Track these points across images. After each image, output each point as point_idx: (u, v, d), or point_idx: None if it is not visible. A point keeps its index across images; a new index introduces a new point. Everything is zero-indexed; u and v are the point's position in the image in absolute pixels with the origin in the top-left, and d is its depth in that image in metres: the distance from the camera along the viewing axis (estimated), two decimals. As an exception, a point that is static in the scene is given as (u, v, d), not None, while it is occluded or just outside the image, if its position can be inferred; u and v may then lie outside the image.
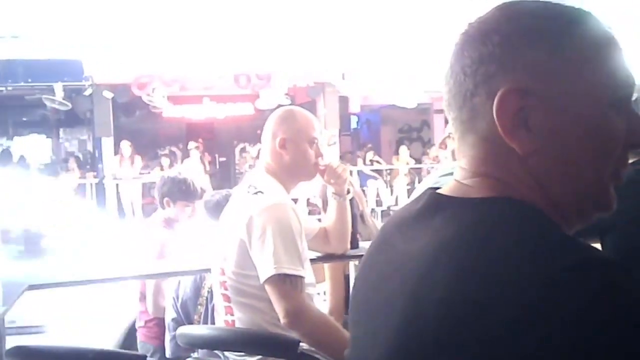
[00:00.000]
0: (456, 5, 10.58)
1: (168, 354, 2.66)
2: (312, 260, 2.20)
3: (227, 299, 1.99)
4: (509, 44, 0.67)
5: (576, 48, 0.67)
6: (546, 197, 0.68)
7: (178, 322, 2.61)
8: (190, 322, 2.56)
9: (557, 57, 0.66)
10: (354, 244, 2.51)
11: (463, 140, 0.71)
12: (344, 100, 11.30)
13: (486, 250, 0.61)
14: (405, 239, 0.72)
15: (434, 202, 0.72)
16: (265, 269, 1.85)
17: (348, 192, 2.31)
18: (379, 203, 11.09)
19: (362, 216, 3.06)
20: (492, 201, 0.67)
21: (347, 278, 2.68)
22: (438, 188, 0.75)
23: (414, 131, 15.63)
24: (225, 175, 12.41)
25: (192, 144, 10.48)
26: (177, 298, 2.65)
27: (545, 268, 0.57)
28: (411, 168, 11.46)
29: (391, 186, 11.51)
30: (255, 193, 1.98)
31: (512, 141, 0.66)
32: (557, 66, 0.66)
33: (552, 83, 0.66)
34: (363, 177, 11.06)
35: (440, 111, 13.89)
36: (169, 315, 2.67)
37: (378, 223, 3.09)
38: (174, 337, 2.53)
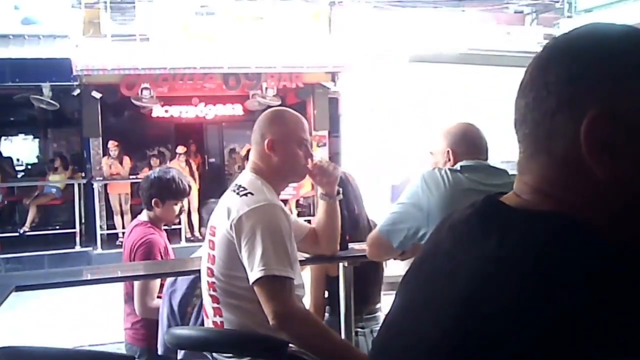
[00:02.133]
0: (446, 12, 10.64)
1: (160, 351, 2.64)
2: (301, 262, 2.20)
3: (216, 300, 1.98)
4: (602, 67, 0.66)
5: None
6: (615, 227, 0.67)
7: (171, 320, 2.59)
8: (185, 321, 2.55)
9: None
10: (344, 246, 2.51)
11: (533, 158, 0.70)
12: (334, 102, 11.29)
13: (542, 267, 0.61)
14: (456, 243, 0.72)
15: (494, 211, 0.71)
16: (255, 271, 1.85)
17: (338, 192, 2.31)
18: (368, 204, 11.08)
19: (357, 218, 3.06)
20: (551, 216, 0.67)
21: (333, 279, 2.68)
22: (499, 194, 0.75)
23: (404, 133, 15.65)
24: (214, 177, 12.37)
25: (180, 149, 10.42)
26: (174, 295, 2.63)
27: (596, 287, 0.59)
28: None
29: (380, 188, 11.51)
30: (244, 194, 1.97)
31: (597, 165, 0.65)
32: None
33: (636, 113, 0.65)
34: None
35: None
36: (165, 312, 2.65)
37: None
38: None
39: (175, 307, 2.58)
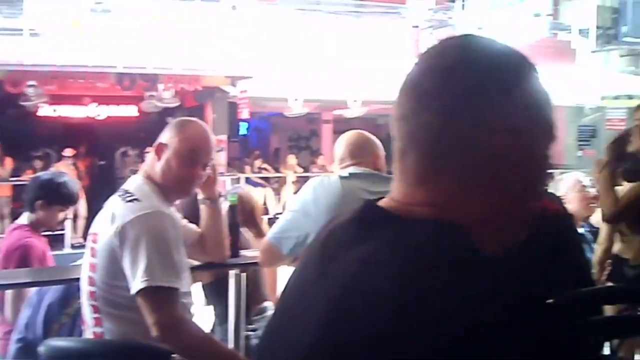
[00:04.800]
0: (345, 21, 10.84)
1: None
2: (192, 269, 2.15)
3: (96, 309, 1.90)
4: (489, 79, 0.70)
5: (536, 93, 0.72)
6: (503, 228, 0.72)
7: (25, 337, 2.43)
8: (49, 333, 2.40)
9: (528, 98, 0.71)
10: (234, 252, 2.48)
11: (437, 168, 0.71)
12: (233, 107, 11.20)
13: (414, 270, 0.63)
14: (336, 247, 0.72)
15: (372, 216, 0.72)
16: (137, 281, 1.78)
17: (220, 196, 2.28)
18: (266, 211, 11.07)
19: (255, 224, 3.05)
20: (429, 220, 0.68)
21: (216, 287, 2.65)
22: (377, 199, 0.75)
23: (303, 140, 15.79)
24: (104, 180, 11.87)
25: (68, 151, 9.92)
26: (38, 306, 2.47)
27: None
28: (299, 176, 11.53)
29: (279, 194, 11.53)
30: (130, 200, 1.90)
31: (492, 176, 0.69)
32: (525, 107, 0.71)
33: (524, 123, 0.70)
34: (251, 185, 11.01)
35: (328, 121, 14.18)
36: (23, 321, 2.48)
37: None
38: (19, 349, 2.38)
39: (40, 319, 2.44)
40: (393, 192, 0.74)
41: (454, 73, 0.70)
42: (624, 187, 2.76)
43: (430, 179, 0.71)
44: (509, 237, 0.73)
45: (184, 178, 2.00)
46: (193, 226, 2.30)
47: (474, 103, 0.69)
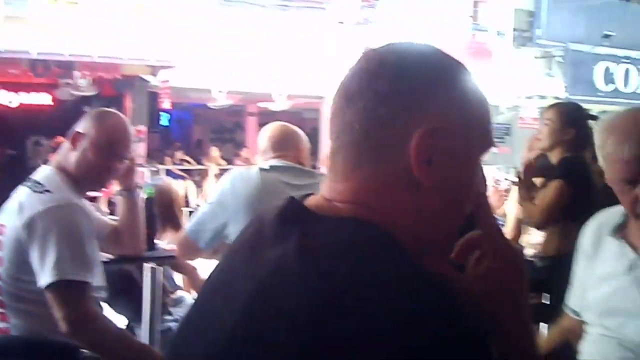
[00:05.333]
0: (271, 14, 10.79)
1: None
2: (106, 263, 2.10)
3: (2, 305, 1.81)
4: (423, 83, 0.72)
5: (470, 97, 0.74)
6: (423, 231, 0.72)
7: None
8: None
9: (459, 101, 0.73)
10: (151, 245, 2.43)
11: (352, 165, 0.72)
12: (154, 96, 10.91)
13: (333, 270, 0.63)
14: (258, 244, 0.72)
15: (295, 214, 0.72)
16: (47, 275, 1.72)
17: (137, 187, 2.23)
18: (187, 204, 10.89)
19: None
20: (353, 221, 0.69)
21: (127, 279, 2.58)
22: (305, 195, 0.76)
23: (227, 132, 15.61)
24: (15, 171, 11.30)
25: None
26: None
27: (383, 293, 0.61)
28: (222, 169, 11.41)
29: (201, 187, 11.36)
30: (40, 191, 1.82)
31: (420, 175, 0.70)
32: (458, 110, 0.72)
33: (455, 125, 0.72)
34: (171, 177, 10.80)
35: (253, 114, 14.08)
36: None
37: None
38: None
39: None
40: (322, 188, 0.76)
41: (375, 76, 0.72)
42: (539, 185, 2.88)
43: (352, 177, 0.73)
44: (429, 239, 0.74)
45: (99, 170, 1.95)
46: (107, 218, 2.24)
47: (393, 105, 0.70)
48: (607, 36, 12.52)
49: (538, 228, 2.84)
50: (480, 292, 0.74)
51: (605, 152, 1.45)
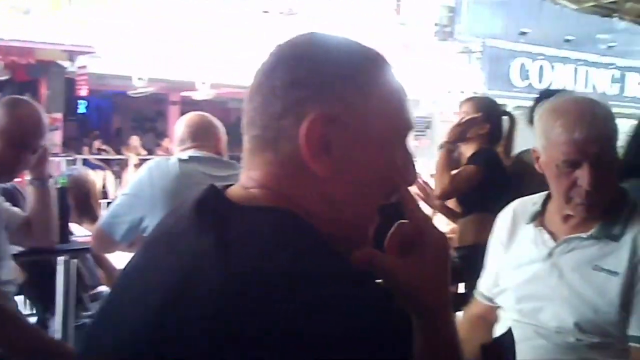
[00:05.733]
0: (196, 0, 10.59)
1: None
2: (16, 255, 2.01)
3: None
4: (322, 72, 0.72)
5: (378, 87, 0.74)
6: (331, 218, 0.73)
7: None
8: None
9: (363, 92, 0.73)
10: (64, 238, 2.34)
11: (260, 155, 0.73)
12: (70, 83, 10.49)
13: (254, 261, 0.63)
14: (176, 235, 0.71)
15: (214, 204, 0.72)
16: None
17: (50, 176, 2.14)
18: (105, 195, 10.55)
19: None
20: (270, 210, 0.70)
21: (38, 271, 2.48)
22: (225, 186, 0.76)
23: (148, 121, 15.22)
24: None
25: None
26: None
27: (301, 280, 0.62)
28: (142, 159, 11.13)
29: (120, 177, 11.04)
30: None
31: (314, 164, 0.70)
32: (361, 100, 0.73)
33: (356, 115, 0.72)
34: (89, 167, 10.43)
35: (176, 102, 13.77)
36: None
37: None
38: None
39: None
40: (243, 180, 0.76)
41: (274, 69, 0.73)
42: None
43: (260, 167, 0.74)
44: (346, 227, 0.75)
45: (9, 160, 1.86)
46: (17, 209, 2.13)
47: (289, 97, 0.71)
48: (523, 33, 13.05)
49: (438, 198, 2.86)
50: (407, 281, 0.75)
51: (551, 134, 1.50)
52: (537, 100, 2.87)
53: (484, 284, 1.75)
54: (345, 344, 0.59)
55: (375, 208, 0.77)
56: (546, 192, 1.65)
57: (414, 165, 0.79)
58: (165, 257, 0.70)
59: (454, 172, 2.72)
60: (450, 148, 2.73)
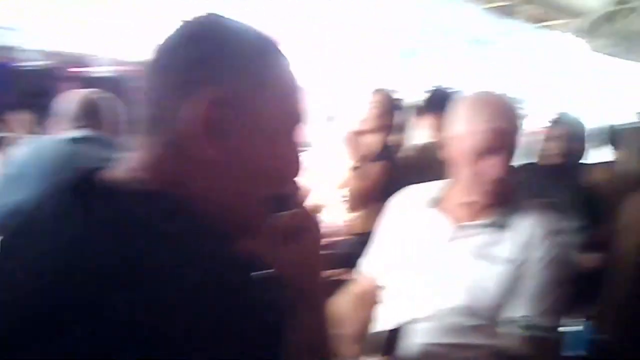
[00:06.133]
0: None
1: None
2: None
3: None
4: (218, 55, 0.72)
5: (273, 74, 0.75)
6: (218, 203, 0.73)
7: None
8: None
9: (257, 77, 0.74)
10: None
11: (149, 135, 0.73)
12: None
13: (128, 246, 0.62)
14: (50, 219, 0.70)
15: (88, 187, 0.70)
16: None
17: None
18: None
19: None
20: (151, 194, 0.69)
21: None
22: (100, 168, 0.75)
23: (36, 97, 14.33)
24: None
25: None
26: None
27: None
28: (26, 138, 10.49)
29: (4, 155, 10.32)
30: None
31: (204, 148, 0.71)
32: (256, 86, 0.73)
33: (249, 100, 0.73)
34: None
35: (70, 78, 13.02)
36: None
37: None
38: None
39: None
40: (126, 163, 0.75)
41: (168, 48, 0.74)
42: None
43: (148, 148, 0.73)
44: (230, 213, 0.75)
45: None
46: None
47: (181, 77, 0.71)
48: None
49: (354, 209, 2.98)
50: (289, 269, 0.80)
51: (473, 122, 1.58)
52: (430, 96, 3.06)
53: (372, 263, 1.80)
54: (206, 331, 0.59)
55: (263, 196, 0.78)
56: (445, 180, 1.75)
57: (300, 158, 0.81)
58: (36, 243, 0.68)
59: (366, 173, 2.81)
60: (358, 166, 2.85)
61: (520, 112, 1.66)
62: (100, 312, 0.57)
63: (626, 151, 3.16)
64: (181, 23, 0.76)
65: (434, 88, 3.42)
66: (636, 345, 1.82)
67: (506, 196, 1.66)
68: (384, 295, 1.76)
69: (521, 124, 1.64)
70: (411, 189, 1.85)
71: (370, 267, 1.83)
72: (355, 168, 2.83)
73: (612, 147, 3.58)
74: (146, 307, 0.58)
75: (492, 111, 1.58)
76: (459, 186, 1.69)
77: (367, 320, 1.68)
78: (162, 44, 0.74)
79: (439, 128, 3.02)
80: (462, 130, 1.61)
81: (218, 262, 0.66)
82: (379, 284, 1.80)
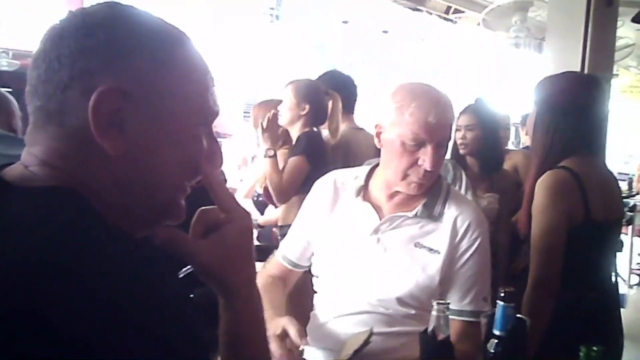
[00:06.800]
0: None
1: None
2: None
3: None
4: (115, 44, 0.68)
5: (179, 67, 0.72)
6: (122, 198, 0.70)
7: None
8: None
9: (161, 69, 0.70)
10: None
11: (43, 129, 0.69)
12: None
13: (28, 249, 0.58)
14: None
15: None
16: None
17: None
18: None
19: None
20: (48, 190, 0.66)
21: None
22: (4, 165, 0.71)
23: None
24: None
25: None
26: None
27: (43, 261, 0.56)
28: None
29: None
30: None
31: (103, 140, 0.67)
32: (159, 78, 0.70)
33: (152, 92, 0.70)
34: None
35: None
36: None
37: None
38: None
39: None
40: (24, 158, 0.71)
41: (61, 37, 0.69)
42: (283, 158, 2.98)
43: (43, 142, 0.69)
44: (137, 208, 0.72)
45: None
46: None
47: (75, 67, 0.67)
48: (345, 22, 13.50)
49: (281, 200, 2.99)
50: (208, 262, 0.77)
51: (405, 113, 1.54)
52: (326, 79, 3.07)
53: (291, 248, 1.79)
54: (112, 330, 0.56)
55: (174, 192, 0.75)
56: (368, 167, 1.72)
57: (218, 151, 0.79)
58: None
59: (283, 169, 2.82)
60: (273, 153, 2.79)
61: (452, 106, 1.63)
62: None
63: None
64: (76, 12, 0.72)
65: (328, 70, 3.45)
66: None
67: (432, 187, 1.65)
68: (317, 287, 1.75)
69: (453, 119, 1.63)
70: (337, 174, 1.81)
71: (291, 250, 1.81)
72: (271, 156, 2.79)
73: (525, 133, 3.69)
74: (43, 307, 0.54)
75: (429, 103, 1.55)
76: (386, 176, 1.66)
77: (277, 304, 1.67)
78: (53, 31, 0.70)
79: (341, 110, 3.05)
80: (395, 118, 1.57)
81: (120, 260, 0.61)
82: (300, 268, 1.79)
